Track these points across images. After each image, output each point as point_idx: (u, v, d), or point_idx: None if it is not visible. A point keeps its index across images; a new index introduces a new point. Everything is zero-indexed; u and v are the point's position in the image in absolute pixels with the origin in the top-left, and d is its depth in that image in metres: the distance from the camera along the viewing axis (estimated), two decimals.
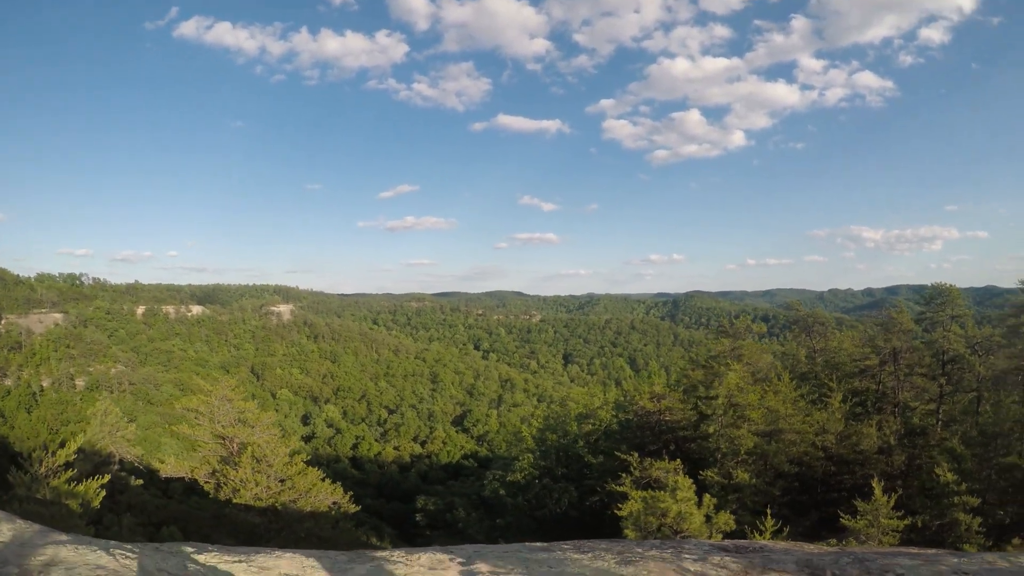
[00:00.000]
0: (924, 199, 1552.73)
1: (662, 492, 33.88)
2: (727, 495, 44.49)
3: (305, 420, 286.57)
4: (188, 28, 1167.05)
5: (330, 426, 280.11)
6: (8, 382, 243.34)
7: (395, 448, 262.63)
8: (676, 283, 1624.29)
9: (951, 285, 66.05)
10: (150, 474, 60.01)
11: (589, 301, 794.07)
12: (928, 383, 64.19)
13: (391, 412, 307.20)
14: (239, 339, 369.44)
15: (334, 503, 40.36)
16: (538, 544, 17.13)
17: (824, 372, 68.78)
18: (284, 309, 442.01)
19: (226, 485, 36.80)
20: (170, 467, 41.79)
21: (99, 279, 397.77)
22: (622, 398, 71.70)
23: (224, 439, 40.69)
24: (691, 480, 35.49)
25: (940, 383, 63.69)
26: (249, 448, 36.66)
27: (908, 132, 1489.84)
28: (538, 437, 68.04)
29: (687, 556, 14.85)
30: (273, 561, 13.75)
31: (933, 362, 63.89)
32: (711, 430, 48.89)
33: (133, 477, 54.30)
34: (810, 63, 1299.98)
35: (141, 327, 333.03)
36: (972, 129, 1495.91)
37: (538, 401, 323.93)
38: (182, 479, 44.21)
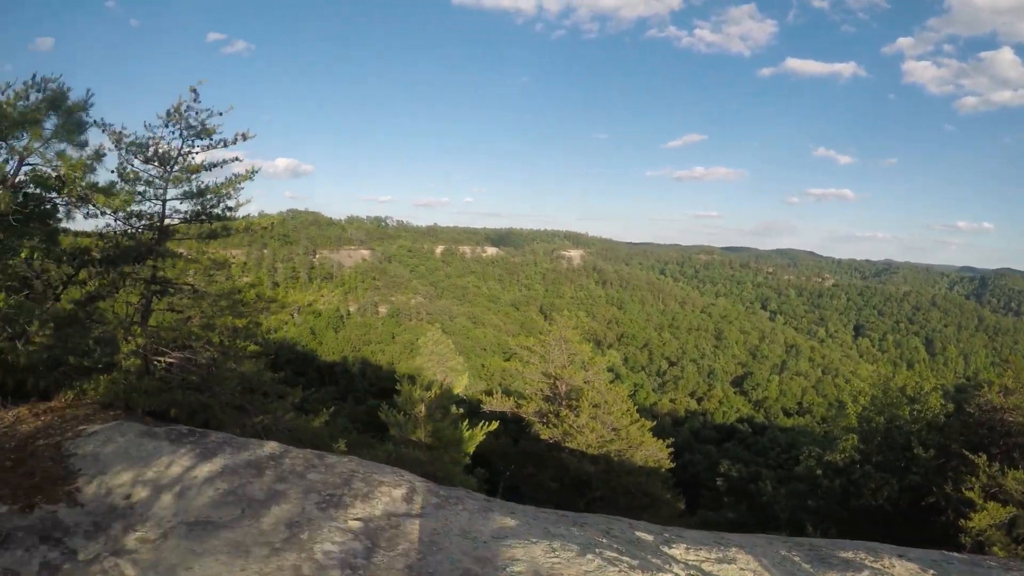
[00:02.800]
0: None
1: None
2: None
3: (583, 364, 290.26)
4: None
5: (610, 371, 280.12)
6: (320, 306, 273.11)
7: (671, 400, 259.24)
8: (985, 256, 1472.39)
9: None
10: (471, 408, 62.53)
11: (887, 268, 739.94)
12: None
13: (671, 364, 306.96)
14: (530, 279, 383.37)
15: (658, 458, 39.77)
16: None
17: None
18: (575, 254, 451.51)
19: (558, 427, 36.94)
20: (496, 401, 42.59)
21: (402, 221, 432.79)
22: (951, 385, 65.08)
23: (555, 379, 40.89)
24: None
25: None
26: (588, 391, 36.54)
27: None
28: (863, 415, 63.47)
29: None
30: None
31: None
32: None
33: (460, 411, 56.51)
34: None
35: (439, 264, 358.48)
36: None
37: (823, 373, 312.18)
38: (503, 415, 45.03)
